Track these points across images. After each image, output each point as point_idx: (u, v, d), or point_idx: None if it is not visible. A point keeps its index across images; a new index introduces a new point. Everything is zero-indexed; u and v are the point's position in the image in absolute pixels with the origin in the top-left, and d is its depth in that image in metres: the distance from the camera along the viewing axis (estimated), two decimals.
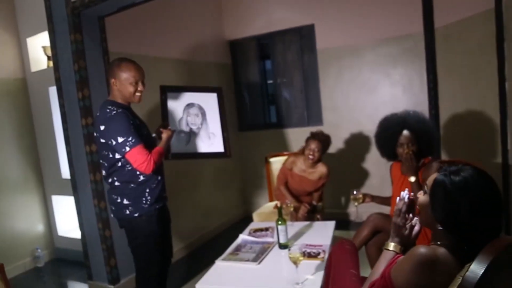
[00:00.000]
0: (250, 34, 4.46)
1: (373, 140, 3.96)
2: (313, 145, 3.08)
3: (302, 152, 3.23)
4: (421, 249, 1.09)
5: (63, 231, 3.86)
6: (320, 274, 1.99)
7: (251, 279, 2.04)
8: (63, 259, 3.84)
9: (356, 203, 2.40)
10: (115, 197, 2.10)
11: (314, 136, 3.13)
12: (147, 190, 2.09)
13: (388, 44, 3.85)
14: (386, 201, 2.60)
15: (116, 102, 2.07)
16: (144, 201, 2.08)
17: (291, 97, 4.46)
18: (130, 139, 1.94)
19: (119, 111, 1.98)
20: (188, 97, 2.59)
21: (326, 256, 2.20)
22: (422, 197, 1.22)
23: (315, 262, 2.11)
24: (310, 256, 2.19)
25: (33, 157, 3.79)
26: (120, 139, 1.94)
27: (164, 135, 2.25)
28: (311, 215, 3.15)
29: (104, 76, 2.85)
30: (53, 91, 3.56)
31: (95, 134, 2.08)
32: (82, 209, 2.92)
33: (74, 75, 2.71)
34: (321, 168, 3.18)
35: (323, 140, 3.13)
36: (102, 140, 2.01)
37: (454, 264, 1.07)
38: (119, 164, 2.05)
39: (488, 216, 1.07)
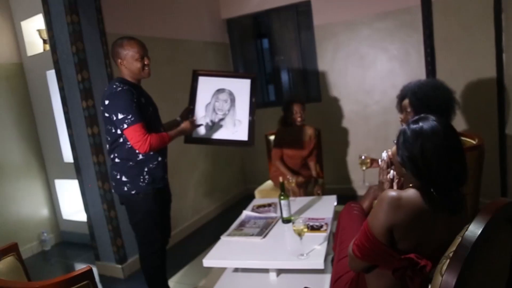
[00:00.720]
0: (246, 12, 4.41)
1: (372, 115, 4.03)
2: (297, 108, 3.25)
3: (283, 123, 3.36)
4: (388, 192, 1.21)
5: (67, 214, 3.91)
6: (324, 246, 2.05)
7: (257, 253, 2.11)
8: (69, 242, 3.90)
9: (364, 167, 2.40)
10: (115, 173, 2.14)
11: (294, 100, 3.30)
12: (146, 170, 2.12)
13: (385, 18, 3.83)
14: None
15: (125, 79, 2.10)
16: (142, 180, 2.11)
17: (289, 75, 4.46)
18: (129, 116, 1.97)
19: (124, 88, 2.01)
20: (220, 82, 2.55)
21: (329, 229, 2.26)
22: (394, 147, 1.31)
23: (318, 235, 2.17)
24: (313, 229, 2.25)
25: (34, 142, 3.80)
26: (120, 116, 1.97)
27: (182, 126, 2.30)
28: (311, 189, 3.22)
29: (103, 58, 2.84)
30: (51, 74, 3.54)
31: (101, 108, 2.11)
32: (87, 191, 2.95)
33: (72, 57, 2.70)
34: (308, 130, 3.35)
35: (303, 101, 3.33)
36: (106, 114, 2.05)
37: (420, 205, 1.17)
38: (121, 140, 2.09)
39: (443, 163, 1.16)
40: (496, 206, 1.04)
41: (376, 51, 3.93)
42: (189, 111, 2.54)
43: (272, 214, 2.59)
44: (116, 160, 2.13)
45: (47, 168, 3.87)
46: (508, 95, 3.04)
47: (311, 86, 4.29)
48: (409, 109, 2.18)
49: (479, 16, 3.17)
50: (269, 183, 3.64)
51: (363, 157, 2.44)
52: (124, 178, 2.11)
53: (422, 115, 1.27)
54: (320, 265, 1.89)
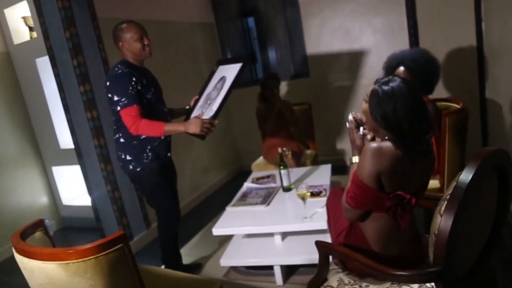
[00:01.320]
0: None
1: (359, 88, 4.17)
2: (273, 83, 3.40)
3: (261, 99, 3.51)
4: (370, 144, 1.38)
5: (67, 200, 3.97)
6: (325, 208, 2.19)
7: (263, 219, 2.25)
8: (70, 227, 3.98)
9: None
10: (120, 153, 2.23)
11: (271, 77, 3.46)
12: (149, 147, 2.20)
13: None
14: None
15: (127, 62, 2.16)
16: (145, 157, 2.20)
17: (276, 52, 4.53)
18: (123, 99, 2.04)
19: (124, 71, 2.08)
20: (226, 70, 2.42)
21: (328, 193, 2.41)
22: (364, 105, 1.47)
23: (318, 199, 2.32)
24: (312, 195, 2.39)
25: (28, 131, 3.81)
26: (116, 98, 2.06)
27: (187, 122, 2.17)
28: (304, 161, 3.38)
29: (96, 42, 2.87)
30: (40, 62, 3.54)
31: (105, 89, 2.17)
32: (90, 175, 3.02)
33: (66, 42, 2.72)
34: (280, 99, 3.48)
35: (277, 77, 3.49)
36: (109, 95, 2.11)
37: (398, 153, 1.36)
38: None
39: (412, 120, 1.35)
40: (483, 154, 1.18)
41: (361, 25, 4.04)
42: (196, 101, 2.48)
43: (272, 184, 2.72)
44: (121, 140, 2.21)
45: (43, 156, 3.89)
46: (487, 62, 3.22)
47: (299, 62, 4.38)
48: (403, 75, 2.30)
49: None
50: (262, 159, 3.76)
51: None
52: (128, 157, 2.20)
53: (390, 76, 1.43)
54: (324, 226, 2.04)
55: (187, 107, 2.53)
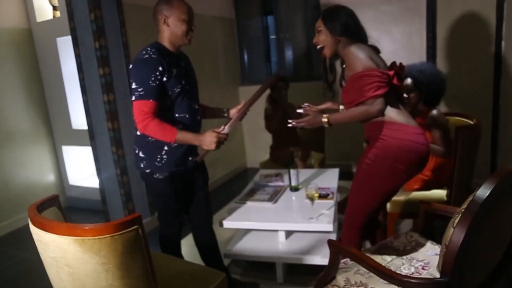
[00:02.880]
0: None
1: None
2: (282, 86, 3.41)
3: (270, 101, 3.52)
4: (348, 48, 1.79)
5: (74, 180, 4.02)
6: (331, 210, 2.22)
7: (269, 216, 2.27)
8: (74, 207, 4.02)
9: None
10: (135, 147, 1.97)
11: (280, 79, 3.40)
12: (165, 149, 1.89)
13: (390, 1, 3.93)
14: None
15: (161, 45, 1.86)
16: (158, 159, 1.89)
17: (293, 52, 4.55)
18: (140, 89, 1.75)
19: (152, 56, 1.78)
20: None
21: (335, 197, 2.43)
22: (319, 37, 1.86)
23: (325, 202, 2.34)
24: (320, 196, 2.41)
25: (42, 109, 3.86)
26: (134, 85, 1.78)
27: (202, 141, 1.86)
28: (310, 163, 3.41)
29: (119, 27, 2.90)
30: (61, 41, 3.58)
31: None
32: (100, 157, 3.06)
33: (90, 24, 2.75)
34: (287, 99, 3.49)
35: (286, 80, 3.48)
36: (130, 80, 1.84)
37: (367, 46, 1.80)
38: None
39: (359, 21, 1.87)
40: (504, 172, 1.20)
41: (380, 33, 4.03)
42: (244, 111, 2.11)
43: (280, 183, 2.74)
44: (138, 133, 1.92)
45: (54, 134, 3.94)
46: (504, 81, 3.21)
47: (315, 64, 4.40)
48: (410, 86, 2.43)
49: (482, 3, 3.30)
50: (269, 157, 3.78)
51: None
52: (141, 154, 1.92)
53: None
54: (330, 228, 2.06)
55: (224, 109, 2.23)
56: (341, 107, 2.10)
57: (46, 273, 1.38)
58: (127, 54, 2.98)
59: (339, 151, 4.43)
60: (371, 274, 1.43)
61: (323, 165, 3.55)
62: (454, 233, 1.13)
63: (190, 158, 1.99)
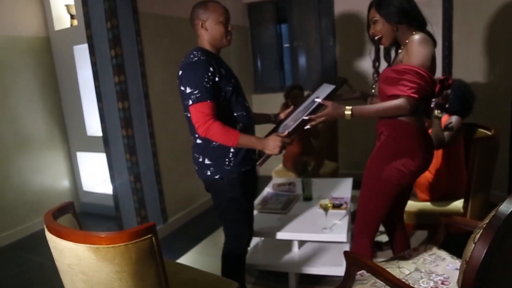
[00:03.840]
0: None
1: None
2: (297, 94, 3.44)
3: (284, 108, 3.46)
4: (414, 36, 1.63)
5: (88, 186, 4.06)
6: (345, 221, 2.19)
7: (283, 225, 2.25)
8: (88, 212, 4.05)
9: None
10: (197, 155, 1.90)
11: (295, 87, 3.51)
12: (232, 150, 1.85)
13: None
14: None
15: (204, 49, 1.86)
16: (226, 162, 1.86)
17: (307, 61, 4.55)
18: (196, 92, 1.72)
19: (201, 58, 1.78)
20: (322, 90, 2.00)
21: (349, 207, 2.40)
22: (375, 27, 1.74)
23: (338, 212, 2.31)
24: (334, 206, 2.38)
25: (58, 115, 3.92)
26: (188, 90, 1.74)
27: (266, 144, 1.79)
28: (322, 172, 3.39)
29: (135, 35, 2.94)
30: (78, 49, 3.64)
31: (177, 81, 1.87)
32: (114, 163, 3.08)
33: (106, 33, 2.79)
34: None
35: (301, 88, 3.52)
36: (181, 88, 1.80)
37: (430, 39, 1.66)
38: None
39: (416, 4, 1.71)
40: None
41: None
42: (288, 115, 2.10)
43: (293, 192, 2.72)
44: (198, 141, 1.88)
45: (69, 140, 3.99)
46: None
47: (328, 73, 4.38)
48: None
49: (498, 12, 3.25)
50: (282, 166, 3.76)
51: None
52: (207, 161, 1.87)
53: None
54: (343, 238, 2.04)
55: (271, 114, 2.20)
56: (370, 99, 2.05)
57: (60, 279, 1.38)
58: (142, 62, 3.02)
59: (352, 160, 4.39)
60: (388, 287, 1.40)
61: (336, 174, 3.52)
62: (475, 248, 1.10)
63: (254, 157, 1.97)
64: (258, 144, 1.80)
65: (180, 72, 1.80)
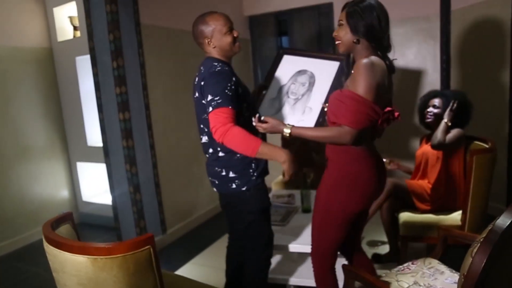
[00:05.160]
0: (268, 10, 4.54)
1: None
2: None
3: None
4: (361, 60, 1.51)
5: (87, 196, 4.05)
6: None
7: (281, 237, 2.24)
8: (87, 223, 4.04)
9: None
10: (219, 169, 1.83)
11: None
12: (253, 161, 1.81)
13: (405, 24, 3.95)
14: (409, 169, 2.79)
15: (221, 60, 1.83)
16: (251, 173, 1.81)
17: None
18: (217, 98, 1.66)
19: (225, 68, 1.76)
20: (304, 62, 2.19)
21: None
22: (339, 31, 1.63)
23: None
24: None
25: (59, 125, 3.94)
26: (209, 97, 1.69)
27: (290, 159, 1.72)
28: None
29: (137, 47, 2.97)
30: (80, 60, 3.68)
31: (194, 97, 1.83)
32: (114, 174, 3.09)
33: (109, 45, 2.83)
34: None
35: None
36: (203, 101, 1.75)
37: (383, 65, 1.55)
38: None
39: (387, 26, 1.57)
40: None
41: (394, 55, 4.05)
42: (261, 88, 2.19)
43: (292, 204, 2.72)
44: (220, 154, 1.81)
45: (69, 150, 4.00)
46: None
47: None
48: (437, 105, 2.51)
49: (496, 27, 3.30)
50: (281, 178, 3.76)
51: (384, 160, 2.65)
52: (231, 174, 1.81)
53: None
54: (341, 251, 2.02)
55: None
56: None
57: None
58: (144, 73, 3.05)
59: None
60: None
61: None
62: (473, 263, 1.10)
63: (267, 168, 1.94)
64: (281, 157, 1.69)
65: (202, 83, 1.74)
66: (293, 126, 1.66)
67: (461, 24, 3.62)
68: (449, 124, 2.42)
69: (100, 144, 3.20)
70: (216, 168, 1.84)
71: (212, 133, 1.68)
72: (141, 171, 3.03)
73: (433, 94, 2.60)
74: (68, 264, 1.26)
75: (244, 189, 1.81)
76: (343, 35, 1.62)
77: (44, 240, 1.33)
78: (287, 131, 1.65)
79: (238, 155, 1.78)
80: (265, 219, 1.91)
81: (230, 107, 1.66)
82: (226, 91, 1.69)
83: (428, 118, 2.54)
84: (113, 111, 2.93)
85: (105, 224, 3.74)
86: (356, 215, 1.70)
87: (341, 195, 1.64)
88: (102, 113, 3.03)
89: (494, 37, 3.33)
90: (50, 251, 1.29)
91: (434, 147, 2.42)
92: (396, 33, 3.99)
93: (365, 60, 1.50)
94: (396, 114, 1.58)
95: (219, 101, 1.66)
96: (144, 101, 3.07)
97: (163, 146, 3.29)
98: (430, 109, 2.54)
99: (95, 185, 4.09)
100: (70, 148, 3.99)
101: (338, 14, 4.21)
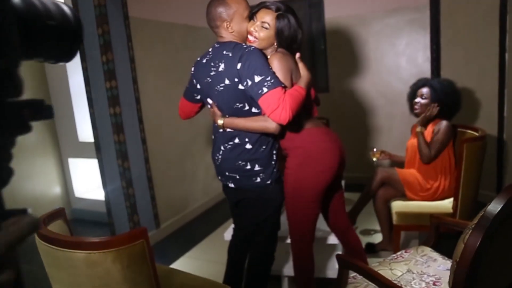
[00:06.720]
0: (258, 2, 4.50)
1: (378, 107, 4.18)
2: None
3: None
4: (274, 55, 1.66)
5: (79, 192, 4.02)
6: None
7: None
8: (80, 219, 4.01)
9: (374, 158, 2.76)
10: (243, 163, 1.72)
11: None
12: (274, 152, 1.76)
13: (395, 14, 3.96)
14: (401, 159, 2.82)
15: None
16: (273, 165, 1.75)
17: None
18: (268, 78, 1.54)
19: (256, 47, 1.65)
20: None
21: None
22: (262, 33, 1.68)
23: None
24: None
25: (49, 121, 3.89)
26: (257, 78, 1.55)
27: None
28: None
29: (126, 40, 2.94)
30: None
31: (219, 87, 1.69)
32: (106, 169, 3.06)
33: (98, 39, 2.79)
34: None
35: None
36: (240, 87, 1.62)
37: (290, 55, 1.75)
38: None
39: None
40: None
41: (384, 46, 4.06)
42: None
43: None
44: (247, 146, 1.70)
45: (61, 146, 3.96)
46: (509, 94, 3.21)
47: (320, 77, 4.41)
48: (424, 96, 2.53)
49: (485, 16, 3.32)
50: None
51: (375, 150, 2.74)
52: (257, 167, 1.71)
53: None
54: (335, 240, 2.04)
55: None
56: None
57: (51, 286, 1.37)
58: (133, 67, 3.02)
59: (348, 163, 4.41)
60: None
61: None
62: (465, 248, 1.12)
63: None
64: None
65: (239, 65, 1.59)
66: (225, 119, 1.71)
67: (450, 14, 3.64)
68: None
69: (92, 140, 3.17)
70: (240, 162, 1.73)
71: (276, 116, 1.54)
72: (133, 165, 3.01)
73: (421, 84, 2.63)
74: (61, 259, 1.25)
75: (268, 182, 1.74)
76: (265, 37, 1.71)
77: (36, 236, 1.32)
78: (220, 122, 1.72)
79: (264, 147, 1.72)
80: (278, 215, 1.89)
81: (281, 86, 1.57)
82: (270, 69, 1.61)
83: (416, 109, 2.58)
84: (104, 105, 2.90)
85: (99, 220, 3.72)
86: (324, 190, 1.78)
87: (307, 173, 1.72)
88: (93, 108, 3.00)
89: (483, 26, 3.35)
90: (43, 246, 1.29)
91: (426, 164, 2.46)
92: (387, 24, 4.00)
93: (276, 54, 1.69)
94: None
95: (271, 81, 1.55)
96: (135, 95, 3.05)
97: (155, 140, 3.27)
98: (418, 99, 2.57)
99: (88, 181, 4.06)
100: (62, 144, 3.95)
101: (327, 4, 4.25)
